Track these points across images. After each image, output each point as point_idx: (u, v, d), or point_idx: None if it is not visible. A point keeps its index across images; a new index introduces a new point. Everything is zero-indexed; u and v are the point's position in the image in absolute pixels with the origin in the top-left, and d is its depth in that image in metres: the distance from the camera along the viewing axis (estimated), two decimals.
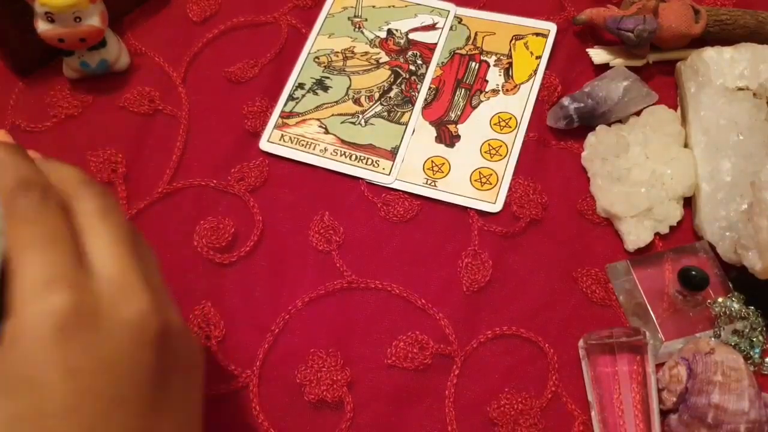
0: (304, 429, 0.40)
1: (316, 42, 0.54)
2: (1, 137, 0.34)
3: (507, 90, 0.52)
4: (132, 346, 0.26)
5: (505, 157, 0.49)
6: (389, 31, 0.55)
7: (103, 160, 0.48)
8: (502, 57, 0.53)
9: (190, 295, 0.44)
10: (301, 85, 0.52)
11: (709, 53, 0.48)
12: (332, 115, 0.51)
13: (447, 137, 0.50)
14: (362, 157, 0.49)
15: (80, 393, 0.25)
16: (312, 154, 0.49)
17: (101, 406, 0.25)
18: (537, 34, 0.54)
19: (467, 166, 0.49)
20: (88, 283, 0.26)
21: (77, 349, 0.25)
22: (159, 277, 0.30)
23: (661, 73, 0.52)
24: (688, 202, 0.47)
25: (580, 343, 0.42)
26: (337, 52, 0.54)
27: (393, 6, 0.56)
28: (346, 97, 0.52)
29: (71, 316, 0.25)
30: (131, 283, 0.27)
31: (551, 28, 0.54)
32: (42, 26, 0.46)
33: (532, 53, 0.53)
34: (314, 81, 0.52)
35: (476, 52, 0.54)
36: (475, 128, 0.50)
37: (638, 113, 0.50)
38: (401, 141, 0.50)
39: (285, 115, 0.51)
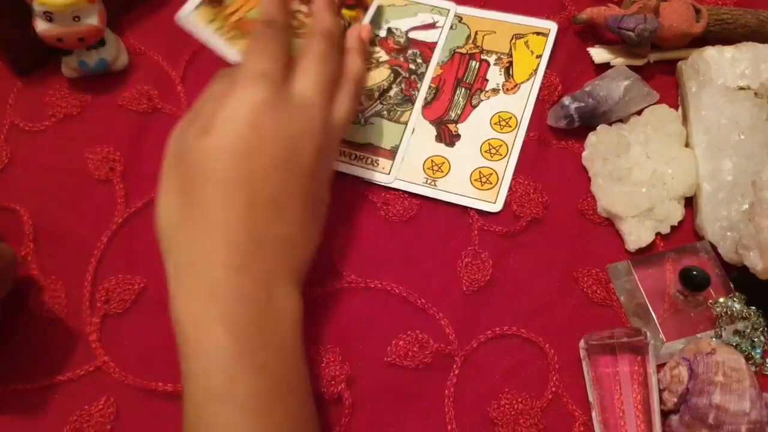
0: None
1: None
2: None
3: (507, 89, 0.52)
4: (304, 134, 0.38)
5: (505, 156, 0.49)
6: (389, 30, 0.54)
7: (101, 158, 0.48)
8: (502, 56, 0.53)
9: None
10: None
11: (710, 52, 0.48)
12: None
13: (447, 136, 0.50)
14: (362, 157, 0.49)
15: (269, 153, 0.36)
16: None
17: (286, 162, 0.37)
18: (537, 33, 0.54)
19: (467, 165, 0.49)
20: (284, 87, 0.38)
21: (267, 121, 0.36)
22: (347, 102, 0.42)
23: (662, 73, 0.52)
24: (689, 202, 0.47)
25: (581, 343, 0.42)
26: None
27: (393, 5, 0.56)
28: None
29: (266, 98, 0.37)
30: (314, 104, 0.39)
31: (552, 27, 0.54)
32: (41, 25, 0.46)
33: (532, 52, 0.53)
34: None
35: (476, 51, 0.53)
36: (475, 127, 0.50)
37: (639, 113, 0.49)
38: (401, 140, 0.50)
39: None
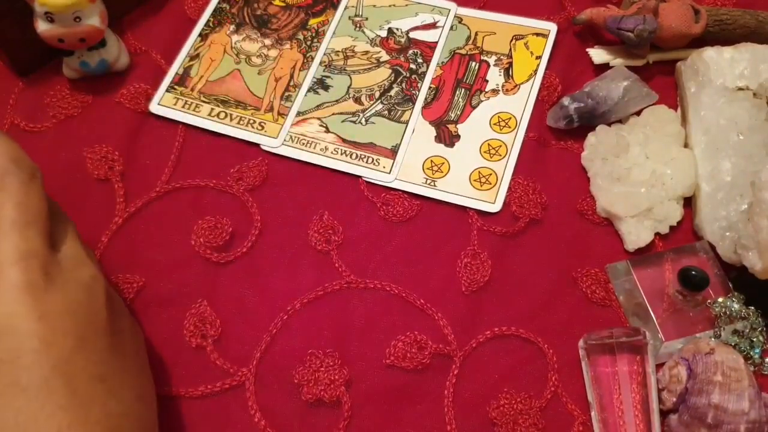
0: (302, 428, 0.40)
1: None
2: None
3: (507, 90, 0.52)
4: (89, 298, 0.33)
5: (504, 157, 0.49)
6: (390, 30, 0.55)
7: (100, 157, 0.48)
8: (502, 57, 0.53)
9: (187, 294, 0.44)
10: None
11: (709, 53, 0.48)
12: (333, 114, 0.51)
13: (446, 137, 0.50)
14: (363, 156, 0.49)
15: (52, 331, 0.31)
16: (312, 153, 0.49)
17: (70, 343, 0.31)
18: (537, 34, 0.54)
19: (467, 165, 0.49)
20: (53, 255, 0.33)
21: (46, 299, 0.31)
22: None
23: (661, 73, 0.52)
24: (688, 202, 0.47)
25: (580, 343, 0.42)
26: (338, 51, 0.54)
27: (394, 5, 0.56)
28: (347, 96, 0.52)
29: (41, 278, 0.31)
30: (83, 257, 0.35)
31: (551, 28, 0.54)
32: (42, 26, 0.46)
33: (532, 53, 0.53)
34: (315, 80, 0.52)
35: (476, 51, 0.53)
36: (474, 128, 0.50)
37: (638, 113, 0.49)
38: (402, 139, 0.50)
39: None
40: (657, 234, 0.46)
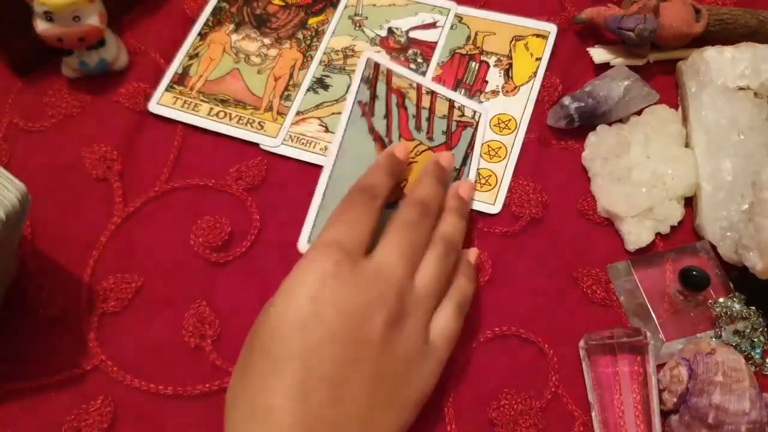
0: None
1: None
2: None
3: (507, 91, 0.52)
4: (367, 311, 0.35)
5: (504, 158, 0.49)
6: (390, 30, 0.54)
7: (99, 157, 0.48)
8: (502, 58, 0.53)
9: (186, 294, 0.44)
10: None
11: (710, 53, 0.48)
12: (332, 113, 0.51)
13: None
14: None
15: (341, 320, 0.34)
16: (312, 152, 0.49)
17: (321, 333, 0.33)
18: (537, 36, 0.54)
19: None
20: (360, 259, 0.37)
21: (332, 288, 0.34)
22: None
23: (661, 73, 0.52)
24: (689, 202, 0.47)
25: (581, 343, 0.42)
26: (338, 51, 0.54)
27: (394, 4, 0.56)
28: (347, 95, 0.52)
29: (337, 267, 0.35)
30: (390, 274, 0.36)
31: (551, 29, 0.54)
32: (41, 25, 0.46)
33: (532, 55, 0.53)
34: (314, 80, 0.52)
35: (476, 52, 0.53)
36: None
37: (639, 113, 0.49)
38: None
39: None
40: (658, 234, 0.46)
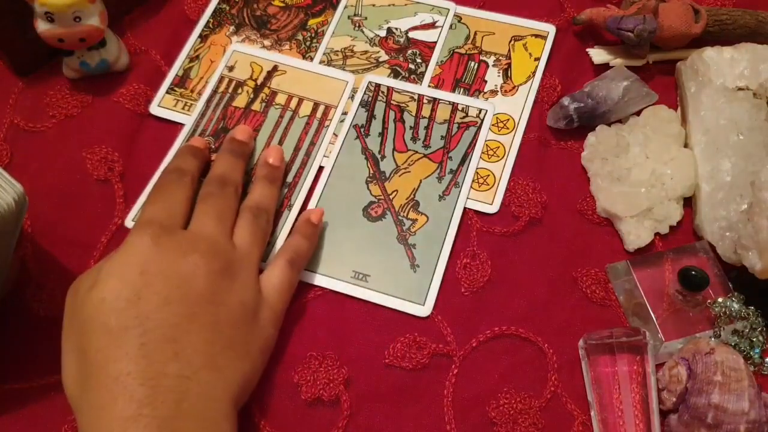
0: (301, 428, 0.40)
1: None
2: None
3: (506, 91, 0.52)
4: (192, 268, 0.37)
5: (502, 158, 0.49)
6: (389, 30, 0.55)
7: (100, 158, 0.48)
8: (501, 57, 0.53)
9: None
10: None
11: (709, 53, 0.48)
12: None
13: None
14: None
15: (146, 285, 0.35)
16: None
17: (155, 300, 0.35)
18: (536, 36, 0.54)
19: None
20: (178, 230, 0.39)
21: (157, 254, 0.36)
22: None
23: (661, 73, 0.52)
24: (688, 202, 0.47)
25: (580, 343, 0.42)
26: (337, 51, 0.54)
27: (393, 4, 0.56)
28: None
29: (157, 235, 0.37)
30: (205, 236, 0.39)
31: (550, 29, 0.54)
32: (42, 26, 0.46)
33: (530, 55, 0.53)
34: None
35: (475, 51, 0.53)
36: None
37: (638, 113, 0.49)
38: None
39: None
40: (657, 234, 0.46)
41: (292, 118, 0.50)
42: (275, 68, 0.52)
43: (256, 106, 0.51)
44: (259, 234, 0.42)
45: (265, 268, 0.42)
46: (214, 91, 0.51)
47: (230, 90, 0.51)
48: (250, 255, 0.40)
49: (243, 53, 0.53)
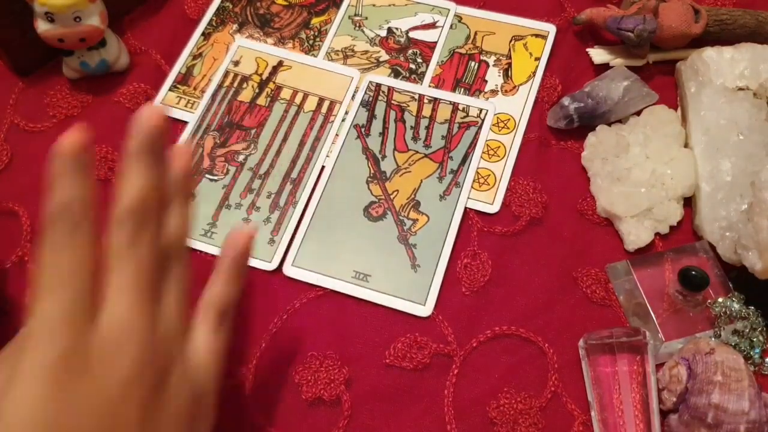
0: (302, 427, 0.40)
1: None
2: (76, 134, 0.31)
3: (506, 91, 0.52)
4: (119, 400, 0.27)
5: (503, 158, 0.49)
6: (389, 30, 0.55)
7: (100, 158, 0.48)
8: (501, 57, 0.53)
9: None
10: None
11: (709, 53, 0.48)
12: None
13: None
14: None
15: None
16: None
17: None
18: (536, 36, 0.54)
19: None
20: (89, 328, 0.27)
21: (64, 400, 0.26)
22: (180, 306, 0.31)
23: (661, 73, 0.52)
24: (688, 202, 0.47)
25: (580, 342, 0.42)
26: (338, 51, 0.54)
27: (393, 4, 0.56)
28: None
29: (62, 365, 0.26)
30: (128, 338, 0.28)
31: (550, 29, 0.54)
32: (42, 26, 0.46)
33: (531, 54, 0.53)
34: None
35: (476, 51, 0.53)
36: None
37: (638, 113, 0.49)
38: None
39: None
40: (657, 234, 0.46)
41: (297, 113, 0.50)
42: (281, 63, 0.52)
43: (261, 100, 0.51)
44: (183, 297, 0.32)
45: (185, 332, 0.32)
46: (220, 86, 0.51)
47: (235, 84, 0.51)
48: (180, 340, 0.31)
49: (248, 48, 0.53)
